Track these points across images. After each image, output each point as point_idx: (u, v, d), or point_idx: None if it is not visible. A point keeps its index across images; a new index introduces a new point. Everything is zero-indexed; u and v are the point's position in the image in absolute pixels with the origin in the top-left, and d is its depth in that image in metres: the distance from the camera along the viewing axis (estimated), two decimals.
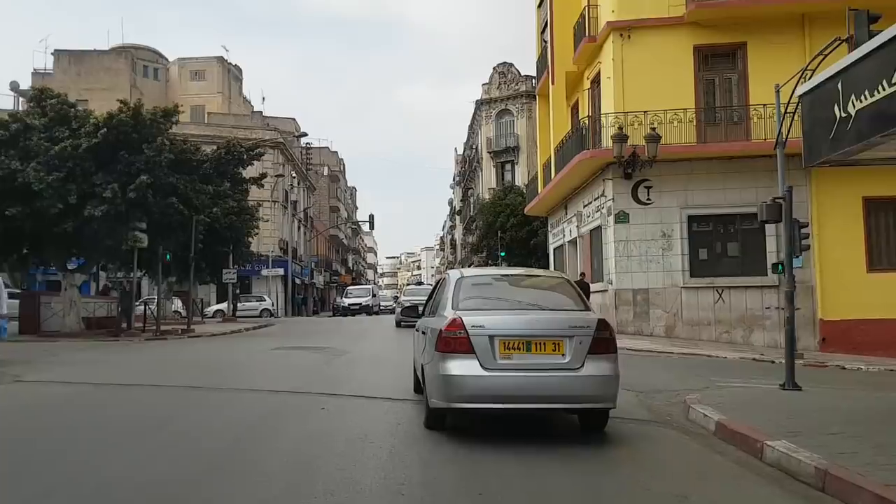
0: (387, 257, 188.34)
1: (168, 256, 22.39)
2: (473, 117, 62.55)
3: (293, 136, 40.06)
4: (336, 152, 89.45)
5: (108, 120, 20.09)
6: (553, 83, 25.98)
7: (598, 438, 6.62)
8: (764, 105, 20.05)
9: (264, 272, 44.66)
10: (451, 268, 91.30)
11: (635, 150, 20.07)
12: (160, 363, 13.79)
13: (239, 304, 39.88)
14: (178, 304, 41.08)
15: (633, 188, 21.25)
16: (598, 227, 22.96)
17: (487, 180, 56.62)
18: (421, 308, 9.18)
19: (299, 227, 58.82)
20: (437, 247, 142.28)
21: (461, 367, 6.22)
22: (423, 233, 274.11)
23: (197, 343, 19.53)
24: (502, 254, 30.62)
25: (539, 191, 28.69)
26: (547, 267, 31.37)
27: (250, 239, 40.34)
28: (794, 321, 9.49)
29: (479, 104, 58.63)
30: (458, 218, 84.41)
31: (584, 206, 24.70)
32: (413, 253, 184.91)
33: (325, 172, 78.22)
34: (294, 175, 52.40)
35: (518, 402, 6.31)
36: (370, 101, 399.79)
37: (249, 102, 71.18)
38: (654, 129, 19.94)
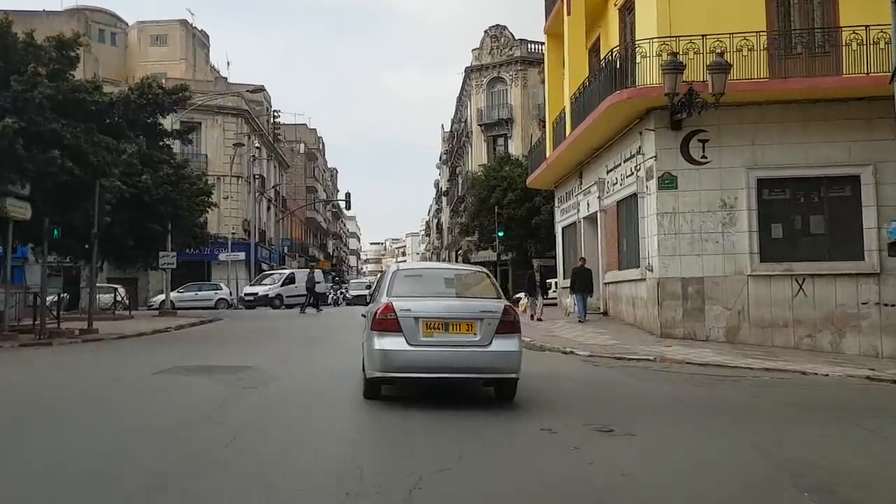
0: (371, 243, 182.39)
1: (56, 233, 16.63)
2: (462, 87, 56.71)
3: (248, 92, 33.83)
4: (314, 130, 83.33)
5: None
6: (569, 13, 20.32)
7: None
8: (866, 27, 14.62)
9: (222, 256, 38.74)
10: (438, 254, 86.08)
11: (692, 86, 14.56)
12: None
13: (190, 294, 34.19)
14: (121, 293, 35.42)
15: (684, 142, 15.79)
16: (632, 197, 17.50)
17: (478, 156, 50.90)
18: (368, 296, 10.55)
19: (269, 208, 52.92)
20: (423, 232, 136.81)
21: (391, 343, 7.36)
22: (410, 219, 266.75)
23: (76, 353, 13.81)
24: (500, 233, 25.14)
25: (547, 155, 23.15)
26: (554, 250, 25.97)
27: (202, 217, 34.81)
28: None
29: (469, 72, 52.81)
30: (444, 199, 78.74)
31: (609, 171, 19.22)
32: (398, 239, 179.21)
33: (302, 150, 72.13)
34: (258, 146, 45.82)
35: (437, 371, 7.42)
36: (356, 87, 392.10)
37: (217, 72, 64.98)
38: (720, 54, 14.40)
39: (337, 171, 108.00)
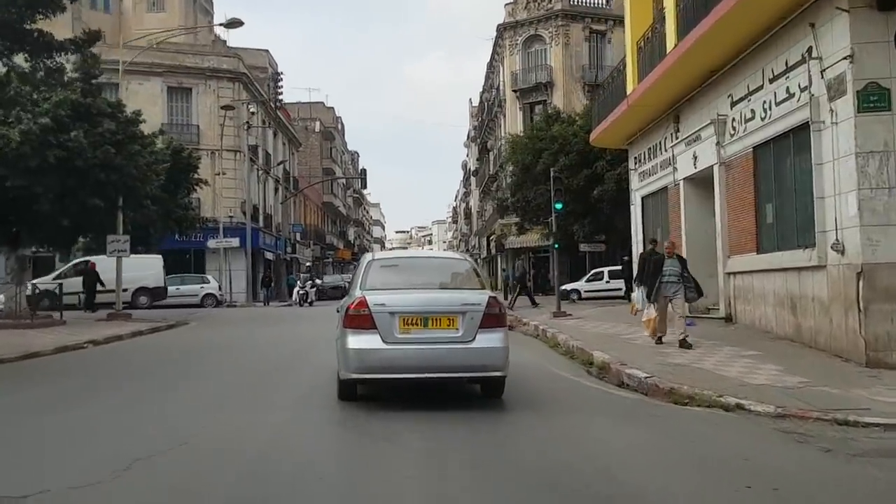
0: (396, 231, 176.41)
1: None
2: (494, 49, 49.88)
3: (221, 25, 27.51)
4: (332, 108, 77.12)
5: None
6: None
7: None
8: None
9: (211, 243, 32.63)
10: (467, 241, 79.52)
11: None
12: None
13: (170, 289, 28.15)
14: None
15: None
16: (790, 134, 10.88)
17: (512, 127, 43.94)
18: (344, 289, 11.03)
19: (276, 189, 46.75)
20: (450, 219, 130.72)
21: (364, 341, 6.69)
22: (437, 207, 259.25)
23: None
24: (558, 205, 18.64)
25: (627, 92, 16.46)
26: (629, 226, 19.39)
27: (188, 197, 28.95)
28: None
29: (502, 30, 45.91)
30: (473, 181, 72.13)
31: (737, 103, 12.57)
32: (424, 227, 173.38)
33: (317, 128, 65.95)
34: (253, 111, 38.70)
35: (416, 372, 6.80)
36: (382, 75, 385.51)
37: (222, 41, 59.00)
38: None
39: (358, 154, 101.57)
